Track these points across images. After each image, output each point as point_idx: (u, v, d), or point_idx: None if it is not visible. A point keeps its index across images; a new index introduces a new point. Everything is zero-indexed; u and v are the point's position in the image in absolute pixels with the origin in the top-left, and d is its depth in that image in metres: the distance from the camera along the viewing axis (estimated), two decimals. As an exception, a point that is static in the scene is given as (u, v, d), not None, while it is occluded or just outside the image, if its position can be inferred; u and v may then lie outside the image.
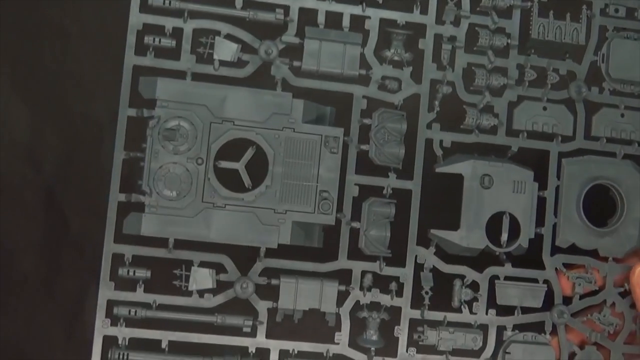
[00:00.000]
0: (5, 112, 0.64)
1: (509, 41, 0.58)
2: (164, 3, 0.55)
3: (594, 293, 0.59)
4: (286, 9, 0.56)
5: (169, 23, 0.55)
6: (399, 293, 0.57)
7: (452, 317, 0.58)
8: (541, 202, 0.59)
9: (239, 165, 0.55)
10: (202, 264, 0.55)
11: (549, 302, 0.59)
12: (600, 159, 0.59)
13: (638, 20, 0.60)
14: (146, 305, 0.55)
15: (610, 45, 0.59)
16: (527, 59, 0.58)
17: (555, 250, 0.59)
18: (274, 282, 0.56)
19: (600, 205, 0.60)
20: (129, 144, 0.54)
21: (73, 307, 0.64)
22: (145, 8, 0.55)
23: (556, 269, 0.59)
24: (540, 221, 0.58)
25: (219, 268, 0.55)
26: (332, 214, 0.55)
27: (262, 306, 0.56)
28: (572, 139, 0.59)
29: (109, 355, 0.54)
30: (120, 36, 0.55)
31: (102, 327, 0.55)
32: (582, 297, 0.59)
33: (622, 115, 0.59)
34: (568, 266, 0.59)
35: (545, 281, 0.59)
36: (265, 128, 0.55)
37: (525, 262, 0.59)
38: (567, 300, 0.59)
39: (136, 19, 0.55)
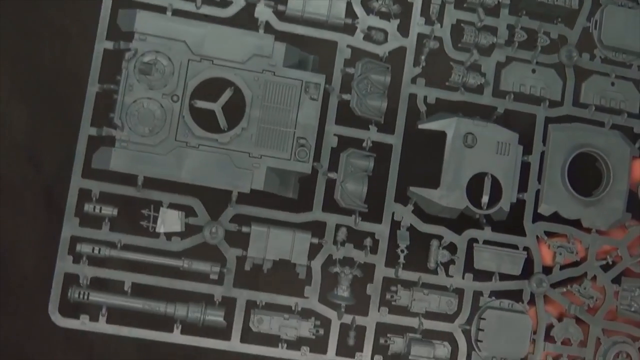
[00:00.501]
0: (5, 112, 0.63)
1: (501, 0, 0.57)
2: None
3: (575, 264, 0.57)
4: None
5: None
6: (374, 250, 0.55)
7: (427, 278, 0.56)
8: (525, 167, 0.57)
9: (216, 106, 0.53)
10: (172, 206, 0.53)
11: (528, 271, 0.57)
12: (588, 127, 0.57)
13: (633, -10, 0.59)
14: (111, 244, 0.53)
15: (604, 12, 0.58)
16: (518, 19, 0.57)
17: (537, 217, 0.57)
18: (244, 229, 0.54)
19: (586, 175, 0.58)
20: (103, 79, 0.53)
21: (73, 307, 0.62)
22: None
23: (537, 236, 0.57)
24: (523, 187, 0.57)
25: (188, 211, 0.53)
26: (309, 162, 0.54)
27: (232, 254, 0.54)
28: (560, 105, 0.57)
29: (69, 294, 0.52)
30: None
31: (63, 264, 0.53)
32: (562, 267, 0.57)
33: (613, 84, 0.58)
34: (550, 235, 0.57)
35: (525, 248, 0.57)
36: (245, 69, 0.53)
37: (506, 228, 0.57)
38: (547, 270, 0.57)
39: None
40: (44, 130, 0.64)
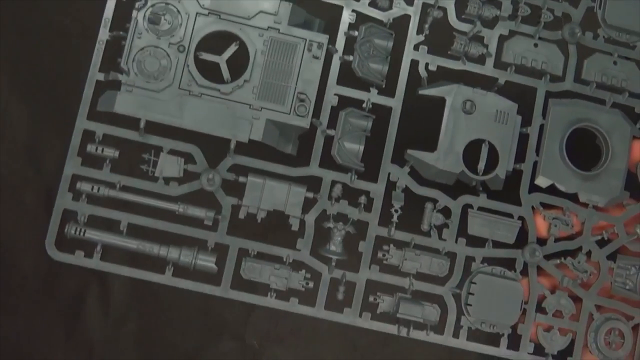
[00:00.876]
0: (5, 112, 0.65)
1: None
2: None
3: (570, 238, 0.58)
4: None
5: None
6: (368, 208, 0.56)
7: (420, 240, 0.56)
8: (524, 139, 0.58)
9: (220, 59, 0.55)
10: (172, 152, 0.55)
11: (522, 241, 0.57)
12: (588, 104, 0.58)
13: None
14: (110, 185, 0.54)
15: (608, -8, 0.59)
16: None
17: (534, 189, 0.57)
18: (241, 179, 0.55)
19: (585, 151, 0.58)
20: (114, 27, 0.55)
21: (73, 307, 0.64)
22: None
23: (533, 207, 0.57)
24: (521, 158, 0.57)
25: (188, 158, 0.55)
26: (308, 118, 0.55)
27: (227, 201, 0.55)
28: (561, 80, 0.58)
29: (66, 229, 0.54)
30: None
31: (63, 201, 0.54)
32: (557, 240, 0.57)
33: (615, 63, 0.58)
34: (546, 207, 0.58)
35: (520, 218, 0.57)
36: (251, 25, 0.55)
37: (502, 198, 0.57)
38: (541, 242, 0.57)
39: None
40: (44, 130, 0.65)
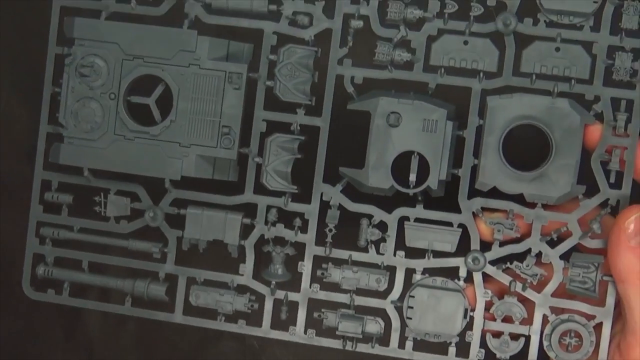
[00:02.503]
0: (5, 112, 0.68)
1: None
2: None
3: (517, 241, 0.55)
4: None
5: None
6: (304, 229, 0.57)
7: (358, 256, 0.57)
8: (462, 142, 0.56)
9: (150, 101, 0.58)
10: (119, 193, 0.59)
11: (465, 249, 0.56)
12: (531, 97, 0.54)
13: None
14: (69, 228, 0.60)
15: (546, -26, 0.54)
16: None
17: (474, 193, 0.56)
18: (182, 212, 0.58)
19: (540, 145, 0.55)
20: (57, 82, 0.59)
21: (73, 307, 0.66)
22: None
23: (473, 213, 0.56)
24: (460, 163, 0.55)
25: (134, 197, 0.59)
26: (234, 149, 0.56)
27: (172, 234, 0.58)
28: (498, 76, 0.55)
29: (37, 271, 0.60)
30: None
31: (31, 246, 0.60)
32: (502, 244, 0.56)
33: (557, 49, 0.54)
34: (489, 210, 0.56)
35: (461, 225, 0.56)
36: (172, 64, 0.57)
37: (444, 206, 0.56)
38: (486, 248, 0.56)
39: None
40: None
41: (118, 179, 0.59)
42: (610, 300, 0.54)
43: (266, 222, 0.58)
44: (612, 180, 0.54)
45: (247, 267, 0.58)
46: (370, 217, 0.57)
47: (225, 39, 0.58)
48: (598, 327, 0.55)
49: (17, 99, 0.69)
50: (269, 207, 0.58)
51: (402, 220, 0.56)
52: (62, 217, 0.60)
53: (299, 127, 0.57)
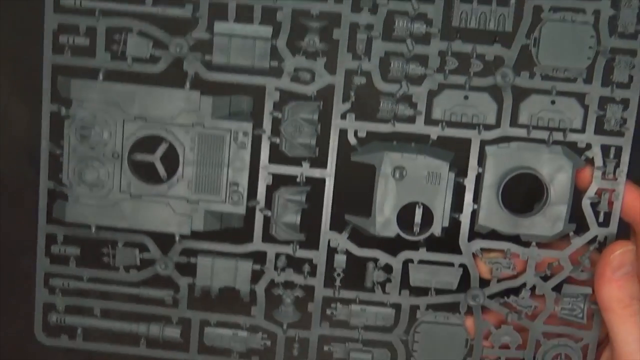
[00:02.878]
0: (5, 112, 0.67)
1: (428, 29, 0.56)
2: (74, 3, 0.56)
3: (514, 277, 0.60)
4: (195, 4, 0.56)
5: (83, 22, 0.57)
6: (313, 273, 0.60)
7: (364, 296, 0.60)
8: (462, 189, 0.58)
9: (154, 158, 0.58)
10: (127, 244, 0.60)
11: (465, 286, 0.60)
12: (527, 146, 0.57)
13: (577, -1, 0.56)
14: (79, 278, 0.61)
15: (543, 30, 0.55)
16: (449, 46, 0.56)
17: (473, 235, 0.59)
18: (192, 260, 0.60)
19: (533, 188, 0.59)
20: (53, 137, 0.58)
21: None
22: (58, 8, 0.57)
23: (473, 253, 0.59)
24: (460, 208, 0.59)
25: (142, 247, 0.60)
26: (243, 204, 0.58)
27: (183, 281, 0.60)
28: (496, 127, 0.57)
29: (49, 319, 0.61)
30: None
31: (41, 296, 0.61)
32: (500, 280, 0.60)
33: (553, 102, 0.57)
34: (487, 250, 0.60)
35: (462, 265, 0.60)
36: (176, 124, 0.57)
37: (444, 247, 0.59)
38: (485, 284, 0.60)
39: (51, 19, 0.57)
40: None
41: (125, 230, 0.60)
42: (596, 324, 0.60)
43: (275, 268, 0.60)
44: (600, 220, 0.58)
45: (259, 309, 0.61)
46: (375, 260, 0.60)
47: (224, 93, 0.58)
48: (585, 348, 0.61)
49: (17, 99, 0.67)
50: (278, 255, 0.60)
51: (407, 262, 0.60)
52: (70, 268, 0.61)
53: (304, 179, 0.59)
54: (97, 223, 0.59)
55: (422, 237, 0.58)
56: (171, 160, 0.58)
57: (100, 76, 0.57)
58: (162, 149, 0.58)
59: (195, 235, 0.59)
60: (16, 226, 0.68)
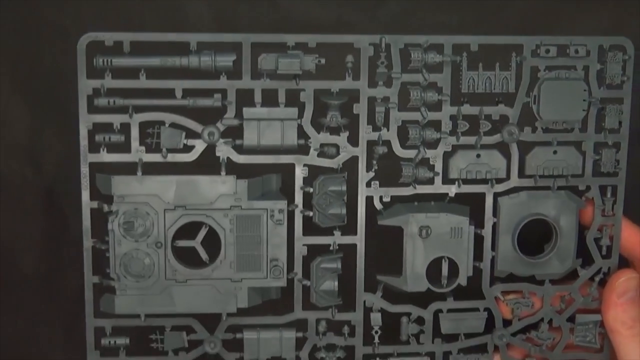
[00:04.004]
0: (5, 112, 0.67)
1: (440, 97, 0.61)
2: (108, 103, 0.59)
3: (532, 314, 0.65)
4: (223, 92, 0.60)
5: (117, 120, 0.60)
6: (352, 334, 0.64)
7: (401, 348, 0.65)
8: (480, 238, 0.64)
9: (195, 243, 0.61)
10: (174, 328, 0.62)
11: (490, 327, 0.65)
12: (535, 194, 0.63)
13: (570, 57, 0.62)
14: (129, 367, 0.63)
15: (541, 88, 0.62)
16: (459, 110, 0.61)
17: (494, 280, 0.64)
18: (238, 336, 0.63)
19: (541, 230, 0.64)
20: (95, 233, 0.61)
21: (73, 307, 0.68)
22: (92, 109, 0.59)
23: (495, 297, 0.65)
24: (479, 256, 0.64)
25: (188, 329, 0.63)
26: (283, 277, 0.62)
27: (231, 357, 0.63)
28: (506, 180, 0.63)
29: None
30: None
31: None
32: (521, 318, 0.65)
33: (555, 152, 0.63)
34: (507, 292, 0.65)
35: (486, 309, 0.65)
36: (215, 209, 0.60)
37: (468, 292, 0.64)
38: (507, 323, 0.65)
39: (85, 118, 0.60)
40: (44, 130, 0.67)
41: (170, 315, 0.62)
42: (605, 346, 0.66)
43: (317, 333, 0.63)
44: (603, 252, 0.65)
45: None
46: (408, 314, 0.64)
47: (254, 172, 0.61)
48: (598, 369, 0.67)
49: (17, 99, 0.67)
50: (318, 320, 0.63)
51: (437, 312, 0.64)
52: (120, 359, 0.63)
53: (337, 247, 0.62)
54: (145, 312, 0.61)
55: (450, 289, 0.63)
56: (212, 241, 0.61)
57: (139, 171, 0.60)
58: (202, 233, 0.61)
59: (239, 311, 0.62)
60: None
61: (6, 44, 0.65)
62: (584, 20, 0.67)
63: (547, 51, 0.62)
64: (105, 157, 0.60)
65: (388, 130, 0.62)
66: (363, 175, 0.62)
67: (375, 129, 0.62)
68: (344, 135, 0.61)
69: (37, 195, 0.68)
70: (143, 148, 0.60)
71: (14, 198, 0.67)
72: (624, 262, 0.65)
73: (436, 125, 0.62)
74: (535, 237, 0.65)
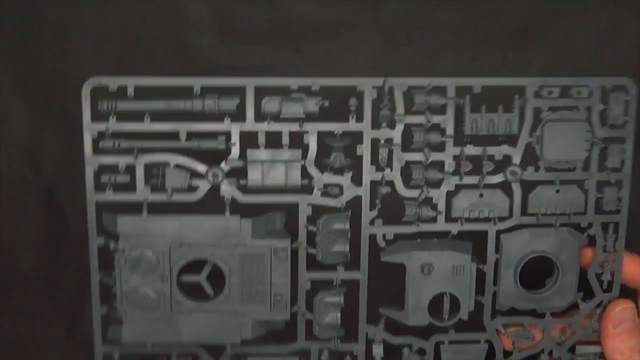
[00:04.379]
0: (5, 112, 0.67)
1: (443, 139, 0.61)
2: (113, 145, 0.60)
3: (533, 346, 0.66)
4: (227, 135, 0.61)
5: (122, 161, 0.61)
6: (354, 364, 0.66)
7: (403, 378, 0.67)
8: (482, 274, 0.64)
9: (200, 279, 0.62)
10: (180, 355, 0.64)
11: (491, 358, 0.66)
12: (537, 231, 0.64)
13: (573, 98, 0.62)
14: (137, 398, 0.66)
15: (544, 129, 0.62)
16: (462, 151, 0.62)
17: (495, 313, 0.65)
18: None
19: (543, 263, 0.65)
20: (101, 267, 0.63)
21: (73, 307, 0.69)
22: (97, 151, 0.61)
23: (496, 330, 0.66)
24: (481, 289, 0.65)
25: (195, 357, 0.64)
26: (287, 311, 0.63)
27: (237, 383, 0.66)
28: (509, 218, 0.63)
29: None
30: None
31: None
32: (521, 350, 0.66)
33: (557, 191, 0.63)
34: (508, 325, 0.66)
35: (487, 341, 0.66)
36: (219, 247, 0.61)
37: (469, 324, 0.66)
38: (508, 354, 0.66)
39: (91, 160, 0.61)
40: (44, 130, 0.67)
41: (178, 344, 0.64)
42: (605, 375, 0.67)
43: (319, 361, 0.66)
44: (604, 287, 0.65)
45: None
46: (410, 345, 0.65)
47: (258, 211, 0.62)
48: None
49: (17, 99, 0.67)
50: (321, 350, 0.65)
51: (438, 344, 0.65)
52: None
53: (340, 282, 0.64)
54: (152, 341, 0.63)
55: (451, 323, 0.65)
56: (217, 275, 0.63)
57: (145, 211, 0.61)
58: (207, 269, 0.62)
59: (243, 341, 0.64)
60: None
61: (6, 44, 0.66)
62: (585, 19, 0.66)
63: (550, 92, 0.62)
64: (110, 196, 0.61)
65: (391, 170, 0.62)
66: (366, 214, 0.63)
67: (379, 169, 0.62)
68: (348, 175, 0.62)
69: (37, 195, 0.68)
70: (148, 188, 0.61)
71: (14, 198, 0.68)
72: (626, 294, 0.66)
73: (439, 165, 0.62)
74: (537, 269, 0.65)
